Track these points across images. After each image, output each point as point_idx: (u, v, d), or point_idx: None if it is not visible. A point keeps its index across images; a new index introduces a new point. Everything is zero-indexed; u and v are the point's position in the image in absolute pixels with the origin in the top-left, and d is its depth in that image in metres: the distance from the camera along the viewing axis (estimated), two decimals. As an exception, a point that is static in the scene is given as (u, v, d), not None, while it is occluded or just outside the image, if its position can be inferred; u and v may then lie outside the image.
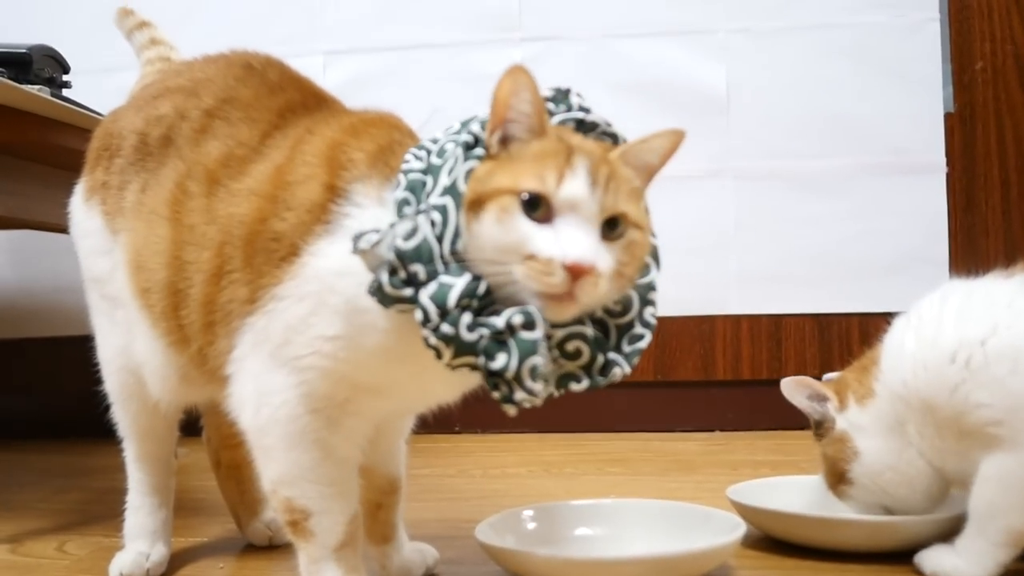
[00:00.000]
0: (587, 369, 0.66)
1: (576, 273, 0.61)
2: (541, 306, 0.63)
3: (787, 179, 1.87)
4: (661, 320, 0.72)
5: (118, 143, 0.90)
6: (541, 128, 0.67)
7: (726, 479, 1.09)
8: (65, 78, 1.28)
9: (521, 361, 0.62)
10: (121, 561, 0.94)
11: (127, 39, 1.10)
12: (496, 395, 0.64)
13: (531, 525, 0.94)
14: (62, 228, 1.00)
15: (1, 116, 1.08)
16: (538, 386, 0.63)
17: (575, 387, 0.66)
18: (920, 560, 0.86)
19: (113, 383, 0.94)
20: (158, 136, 0.85)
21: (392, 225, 0.65)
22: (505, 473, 1.51)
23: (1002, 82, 1.86)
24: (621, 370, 0.67)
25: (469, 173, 0.66)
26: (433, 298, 0.63)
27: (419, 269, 0.64)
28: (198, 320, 0.77)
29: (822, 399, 0.96)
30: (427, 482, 1.38)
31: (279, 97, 0.83)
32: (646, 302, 0.70)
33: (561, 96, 0.71)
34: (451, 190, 0.65)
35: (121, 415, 0.95)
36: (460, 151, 0.67)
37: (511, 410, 0.64)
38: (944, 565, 0.83)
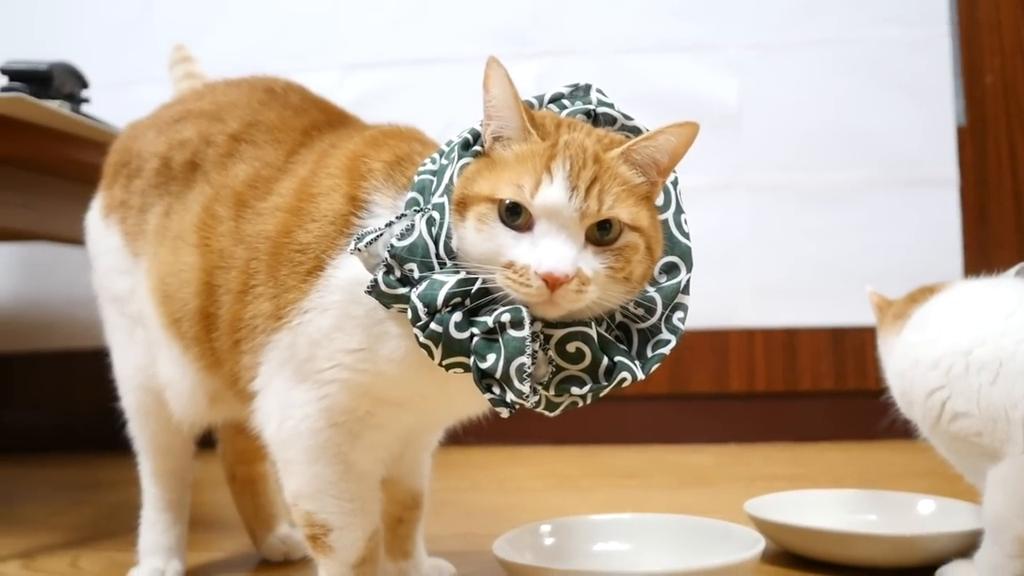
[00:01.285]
0: (591, 372, 0.63)
1: (552, 284, 0.60)
2: (528, 304, 0.61)
3: (800, 192, 1.87)
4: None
5: (138, 164, 0.90)
6: (523, 126, 0.65)
7: (742, 492, 1.08)
8: (84, 93, 1.29)
9: (508, 361, 0.60)
10: (136, 577, 0.93)
11: (169, 70, 1.11)
12: (488, 397, 0.62)
13: (549, 541, 0.94)
14: (78, 240, 1.00)
15: (23, 132, 1.09)
16: (525, 387, 0.60)
17: (576, 392, 0.63)
18: (941, 575, 0.85)
19: (131, 400, 0.94)
20: (182, 161, 0.86)
21: (389, 224, 0.66)
22: (520, 487, 1.50)
23: (1013, 95, 1.86)
24: (631, 375, 0.63)
25: (462, 170, 0.66)
26: (421, 296, 0.62)
27: (413, 267, 0.64)
28: (227, 340, 0.78)
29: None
30: (441, 496, 1.37)
31: (303, 118, 0.84)
32: (674, 306, 0.67)
33: (581, 92, 0.71)
34: (448, 188, 0.66)
35: (138, 432, 0.95)
36: (458, 149, 0.67)
37: (504, 412, 0.63)
38: (964, 580, 0.83)
